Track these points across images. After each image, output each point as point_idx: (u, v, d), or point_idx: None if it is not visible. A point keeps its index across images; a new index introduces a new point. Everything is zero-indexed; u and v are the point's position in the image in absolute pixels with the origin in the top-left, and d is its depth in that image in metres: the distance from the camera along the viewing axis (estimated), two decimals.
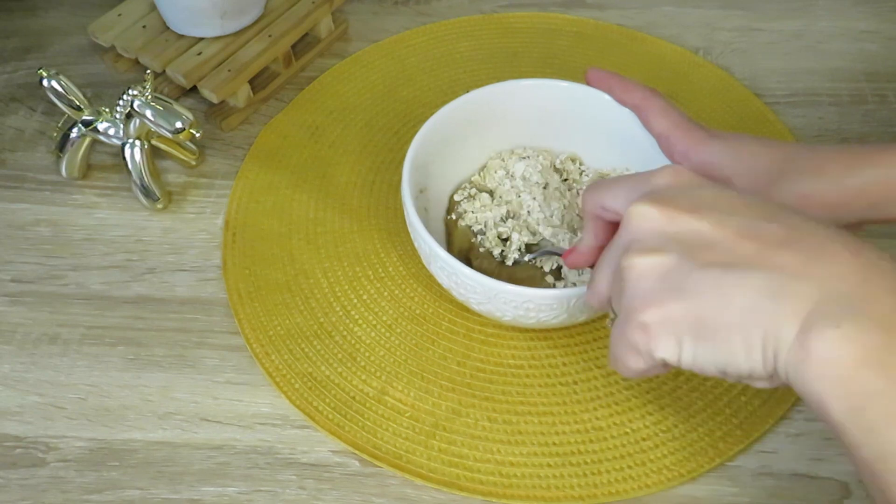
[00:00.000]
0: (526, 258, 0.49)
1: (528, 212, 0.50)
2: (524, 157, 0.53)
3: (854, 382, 0.29)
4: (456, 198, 0.52)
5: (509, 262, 0.49)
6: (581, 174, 0.53)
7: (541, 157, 0.53)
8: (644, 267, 0.34)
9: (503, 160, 0.53)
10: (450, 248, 0.50)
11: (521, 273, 0.49)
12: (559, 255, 0.46)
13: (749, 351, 0.31)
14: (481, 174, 0.54)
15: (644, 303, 0.33)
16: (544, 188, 0.51)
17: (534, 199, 0.50)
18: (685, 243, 0.33)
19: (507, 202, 0.51)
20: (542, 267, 0.49)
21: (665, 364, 0.34)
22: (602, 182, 0.40)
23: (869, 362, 0.29)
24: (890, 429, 0.28)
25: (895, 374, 0.28)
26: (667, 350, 0.33)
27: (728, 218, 0.33)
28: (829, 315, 0.30)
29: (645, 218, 0.34)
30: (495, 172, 0.53)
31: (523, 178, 0.52)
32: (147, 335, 0.51)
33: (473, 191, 0.53)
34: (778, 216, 0.33)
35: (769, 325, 0.31)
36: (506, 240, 0.50)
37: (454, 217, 0.52)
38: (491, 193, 0.52)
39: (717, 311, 0.32)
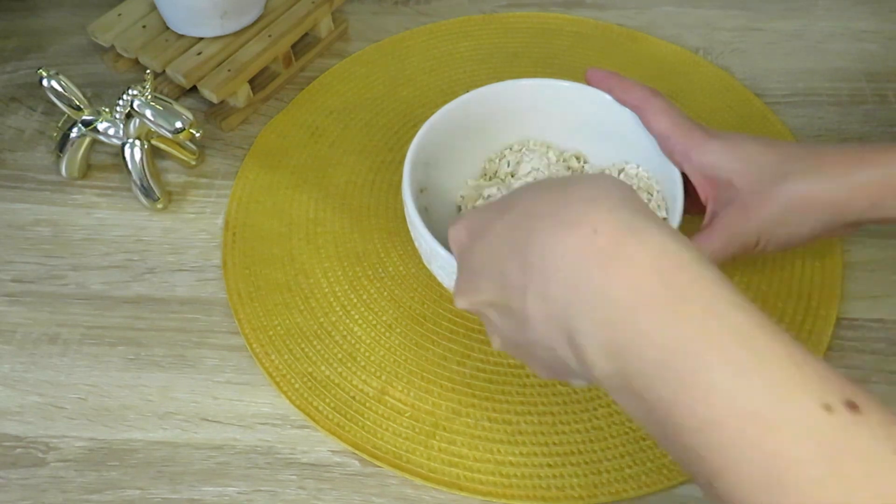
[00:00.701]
0: None
1: None
2: (533, 150, 0.53)
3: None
4: (464, 194, 0.53)
5: None
6: (583, 172, 0.53)
7: (550, 153, 0.53)
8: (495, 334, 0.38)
9: (512, 150, 0.53)
10: None
11: None
12: None
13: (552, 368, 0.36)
14: (489, 166, 0.54)
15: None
16: None
17: None
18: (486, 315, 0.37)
19: None
20: None
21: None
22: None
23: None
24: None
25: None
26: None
27: (477, 285, 0.36)
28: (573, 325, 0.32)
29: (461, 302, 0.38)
30: (505, 166, 0.53)
31: (536, 170, 0.52)
32: (147, 335, 0.51)
33: (488, 190, 0.53)
34: (515, 253, 0.34)
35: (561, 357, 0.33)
36: None
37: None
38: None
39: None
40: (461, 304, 0.37)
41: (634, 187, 0.45)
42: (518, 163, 0.54)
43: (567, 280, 0.31)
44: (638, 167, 0.50)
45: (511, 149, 0.54)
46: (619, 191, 0.33)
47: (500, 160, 0.54)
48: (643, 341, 0.29)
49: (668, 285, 0.29)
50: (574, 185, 0.34)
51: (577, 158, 0.54)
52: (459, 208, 0.53)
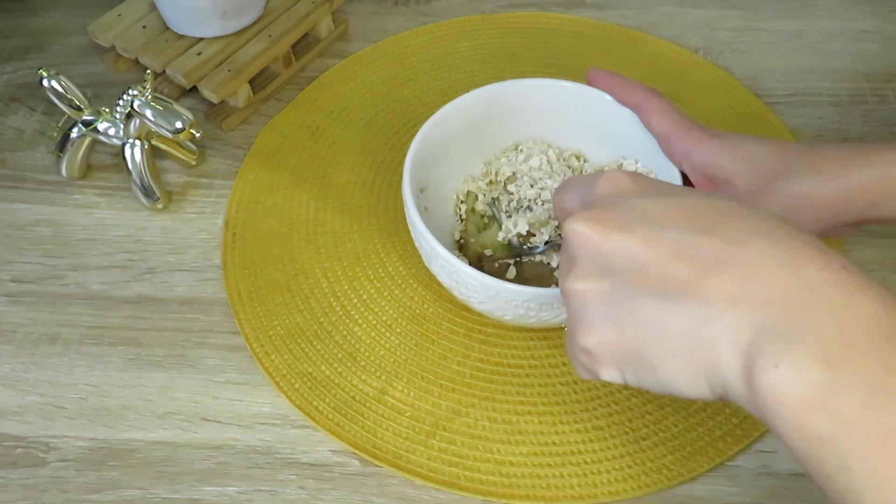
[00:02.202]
0: (539, 248, 0.49)
1: (542, 202, 0.50)
2: (533, 149, 0.53)
3: (804, 428, 0.27)
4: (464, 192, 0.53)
5: (515, 231, 0.49)
6: (583, 172, 0.53)
7: (550, 152, 0.53)
8: (582, 292, 0.33)
9: (512, 150, 0.54)
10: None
11: (529, 272, 0.49)
12: None
13: (692, 381, 0.31)
14: (489, 166, 0.54)
15: (584, 328, 0.33)
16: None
17: (542, 189, 0.51)
18: (620, 268, 0.32)
19: (519, 192, 0.52)
20: (549, 263, 0.49)
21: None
22: (564, 184, 0.39)
23: (814, 406, 0.27)
24: (842, 475, 0.27)
25: (838, 416, 0.27)
26: (609, 374, 0.33)
27: (660, 233, 0.32)
28: (767, 353, 0.28)
29: (580, 239, 0.34)
30: (505, 165, 0.53)
31: (536, 169, 0.52)
32: (147, 335, 0.51)
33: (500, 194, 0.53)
34: (716, 226, 0.32)
35: (707, 358, 0.30)
36: (528, 235, 0.50)
37: (461, 238, 0.52)
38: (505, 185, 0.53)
39: (654, 341, 0.31)
40: (608, 233, 0.33)
41: None
42: (519, 162, 0.54)
43: (795, 296, 0.29)
44: (636, 162, 0.50)
45: (511, 148, 0.54)
46: None
47: (500, 160, 0.54)
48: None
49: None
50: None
51: (577, 158, 0.54)
52: (458, 208, 0.53)
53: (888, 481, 0.26)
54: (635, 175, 0.36)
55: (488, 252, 0.50)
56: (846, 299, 0.28)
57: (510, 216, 0.51)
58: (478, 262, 0.50)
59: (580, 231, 0.34)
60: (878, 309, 0.28)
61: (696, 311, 0.30)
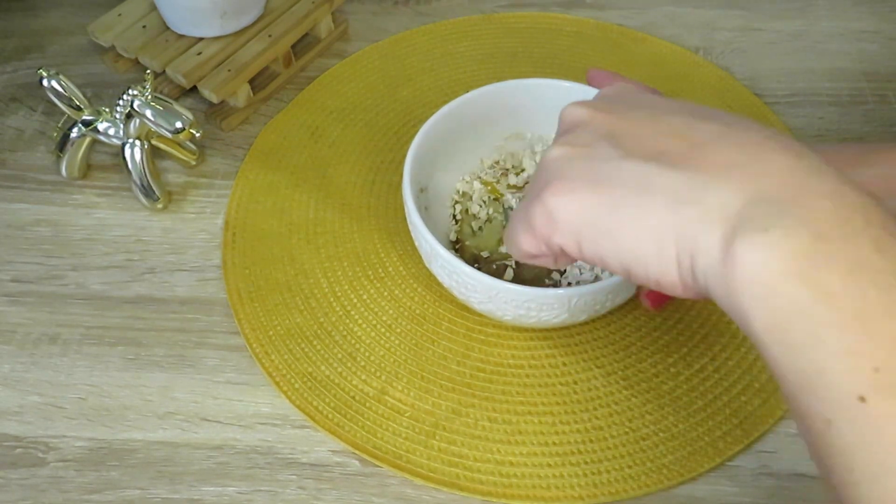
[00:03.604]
0: None
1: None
2: (532, 149, 0.53)
3: (777, 296, 0.26)
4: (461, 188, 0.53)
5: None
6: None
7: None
8: (564, 151, 0.32)
9: (513, 150, 0.54)
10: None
11: (527, 273, 0.49)
12: None
13: (659, 247, 0.29)
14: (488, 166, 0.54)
15: (555, 183, 0.31)
16: None
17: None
18: (611, 134, 0.31)
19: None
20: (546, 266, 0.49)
21: (562, 254, 0.33)
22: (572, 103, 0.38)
23: (794, 273, 0.26)
24: (810, 349, 0.26)
25: (820, 288, 0.25)
26: (566, 238, 0.31)
27: (661, 115, 0.31)
28: (756, 219, 0.27)
29: (575, 116, 0.33)
30: (505, 165, 0.53)
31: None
32: (147, 335, 0.51)
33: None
34: (719, 116, 0.31)
35: (687, 225, 0.28)
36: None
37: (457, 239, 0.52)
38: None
39: (630, 201, 0.29)
40: (608, 113, 0.32)
41: None
42: (518, 162, 0.54)
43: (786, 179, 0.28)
44: None
45: (511, 148, 0.54)
46: None
47: (499, 160, 0.54)
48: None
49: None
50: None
51: None
52: (454, 207, 0.53)
53: (860, 354, 0.25)
54: (643, 85, 0.35)
55: (485, 254, 0.50)
56: (844, 189, 0.27)
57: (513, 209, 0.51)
58: (474, 264, 0.50)
59: (575, 111, 0.33)
60: (874, 206, 0.27)
61: (686, 175, 0.29)
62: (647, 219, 0.29)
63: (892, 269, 0.26)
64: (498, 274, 0.49)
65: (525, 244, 0.34)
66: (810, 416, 0.26)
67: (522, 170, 0.54)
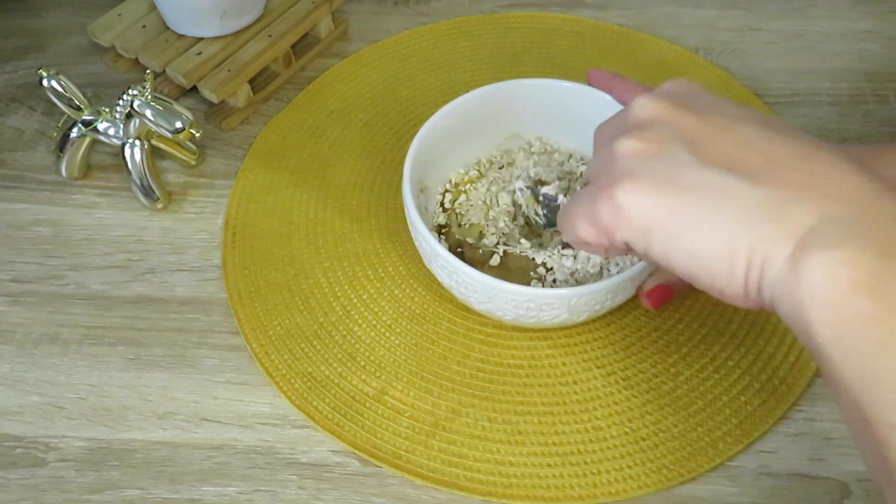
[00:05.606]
0: (557, 199, 0.48)
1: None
2: (533, 149, 0.53)
3: (845, 306, 0.27)
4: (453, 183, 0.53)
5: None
6: (580, 173, 0.53)
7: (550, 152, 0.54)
8: (639, 147, 0.32)
9: (512, 149, 0.54)
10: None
11: (512, 263, 0.48)
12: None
13: (732, 262, 0.30)
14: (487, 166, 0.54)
15: (627, 180, 0.31)
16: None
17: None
18: (688, 138, 0.31)
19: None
20: (533, 259, 0.48)
21: (622, 248, 0.33)
22: (605, 121, 0.38)
23: (863, 286, 0.27)
24: (876, 352, 0.27)
25: (886, 300, 0.27)
26: (634, 236, 0.32)
27: (735, 125, 0.32)
28: (827, 237, 0.28)
29: (648, 111, 0.33)
30: (505, 164, 0.53)
31: (536, 167, 0.52)
32: (147, 335, 0.51)
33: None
34: (792, 133, 0.32)
35: (761, 240, 0.29)
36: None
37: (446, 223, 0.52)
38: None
39: (708, 215, 0.30)
40: (681, 113, 0.32)
41: None
42: (511, 161, 0.54)
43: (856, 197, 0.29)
44: None
45: (511, 148, 0.54)
46: None
47: (499, 160, 0.54)
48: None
49: None
50: None
51: (578, 158, 0.54)
52: (442, 205, 0.53)
53: None
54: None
55: (470, 240, 0.50)
56: None
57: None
58: (458, 249, 0.50)
59: (649, 105, 0.33)
60: None
61: (763, 191, 0.30)
62: (722, 230, 0.30)
63: None
64: (483, 260, 0.49)
65: (583, 232, 0.34)
66: (872, 422, 0.27)
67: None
